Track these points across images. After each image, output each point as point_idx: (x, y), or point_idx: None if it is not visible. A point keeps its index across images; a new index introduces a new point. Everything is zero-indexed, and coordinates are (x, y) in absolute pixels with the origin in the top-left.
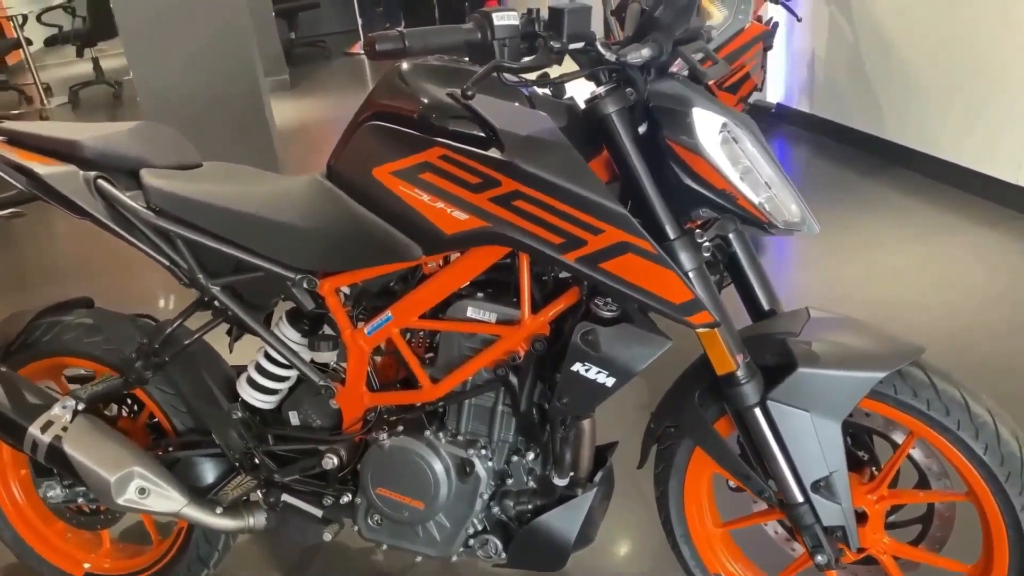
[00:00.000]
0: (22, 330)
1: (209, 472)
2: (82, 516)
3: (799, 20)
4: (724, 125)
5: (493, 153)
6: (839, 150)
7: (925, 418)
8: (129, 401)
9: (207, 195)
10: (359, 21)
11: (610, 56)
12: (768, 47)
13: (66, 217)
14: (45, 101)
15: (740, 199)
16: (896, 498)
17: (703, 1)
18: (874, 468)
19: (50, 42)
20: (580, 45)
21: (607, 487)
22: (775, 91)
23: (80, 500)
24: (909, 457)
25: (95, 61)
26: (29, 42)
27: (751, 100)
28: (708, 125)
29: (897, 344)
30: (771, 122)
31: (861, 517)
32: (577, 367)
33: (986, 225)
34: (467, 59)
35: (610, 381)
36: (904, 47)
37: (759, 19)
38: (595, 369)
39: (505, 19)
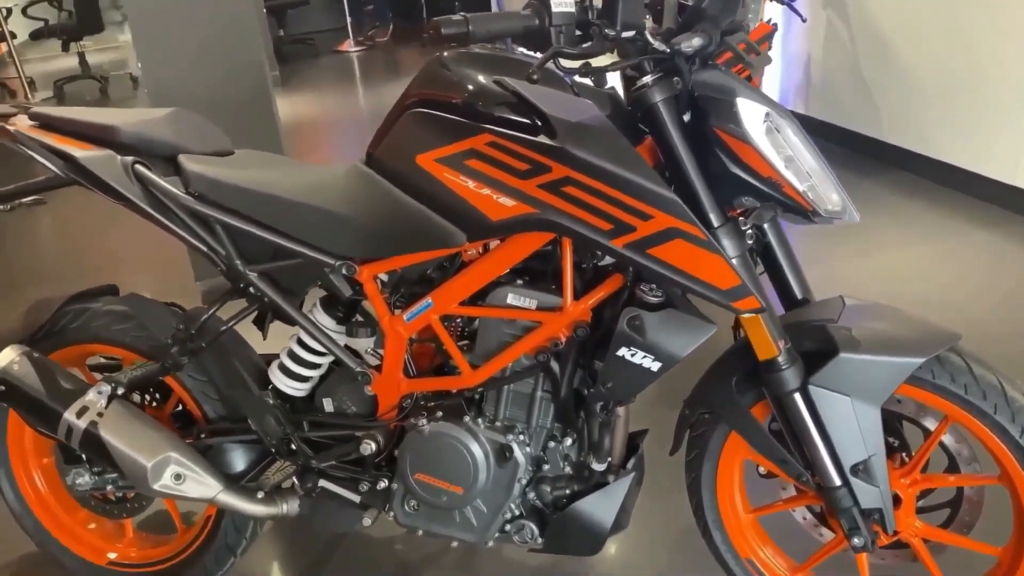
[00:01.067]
0: (50, 317)
1: (240, 459)
2: (107, 504)
3: (804, 20)
4: (767, 115)
5: (543, 139)
6: (835, 152)
7: (962, 402)
8: (152, 389)
9: (247, 181)
10: (348, 19)
11: (660, 45)
12: (768, 48)
13: (58, 217)
14: (29, 95)
15: (786, 187)
16: (929, 482)
17: None
18: (904, 454)
19: (35, 36)
20: (632, 33)
21: (639, 473)
22: (770, 93)
23: (108, 487)
24: (940, 442)
25: (81, 55)
26: (13, 35)
27: None
28: (753, 114)
29: (934, 330)
30: None
31: (895, 501)
32: (623, 352)
33: (984, 226)
34: (516, 47)
35: (655, 366)
36: (901, 49)
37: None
38: (641, 354)
39: (562, 6)
